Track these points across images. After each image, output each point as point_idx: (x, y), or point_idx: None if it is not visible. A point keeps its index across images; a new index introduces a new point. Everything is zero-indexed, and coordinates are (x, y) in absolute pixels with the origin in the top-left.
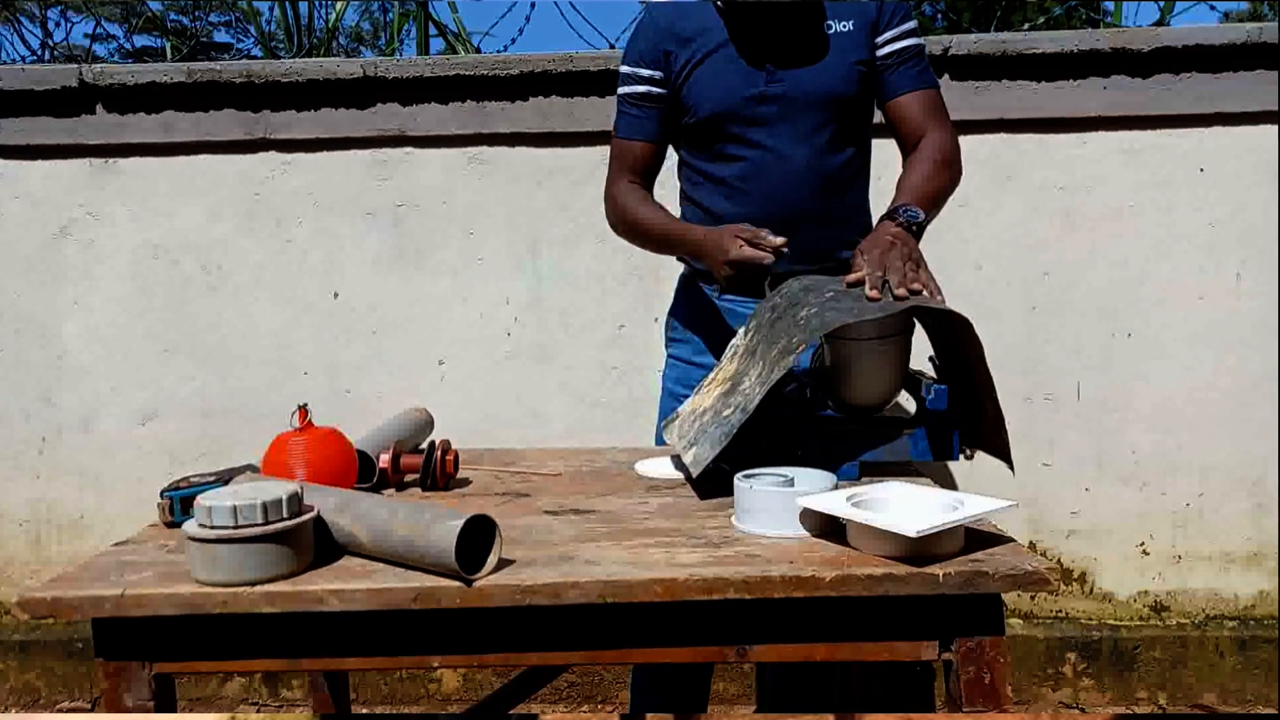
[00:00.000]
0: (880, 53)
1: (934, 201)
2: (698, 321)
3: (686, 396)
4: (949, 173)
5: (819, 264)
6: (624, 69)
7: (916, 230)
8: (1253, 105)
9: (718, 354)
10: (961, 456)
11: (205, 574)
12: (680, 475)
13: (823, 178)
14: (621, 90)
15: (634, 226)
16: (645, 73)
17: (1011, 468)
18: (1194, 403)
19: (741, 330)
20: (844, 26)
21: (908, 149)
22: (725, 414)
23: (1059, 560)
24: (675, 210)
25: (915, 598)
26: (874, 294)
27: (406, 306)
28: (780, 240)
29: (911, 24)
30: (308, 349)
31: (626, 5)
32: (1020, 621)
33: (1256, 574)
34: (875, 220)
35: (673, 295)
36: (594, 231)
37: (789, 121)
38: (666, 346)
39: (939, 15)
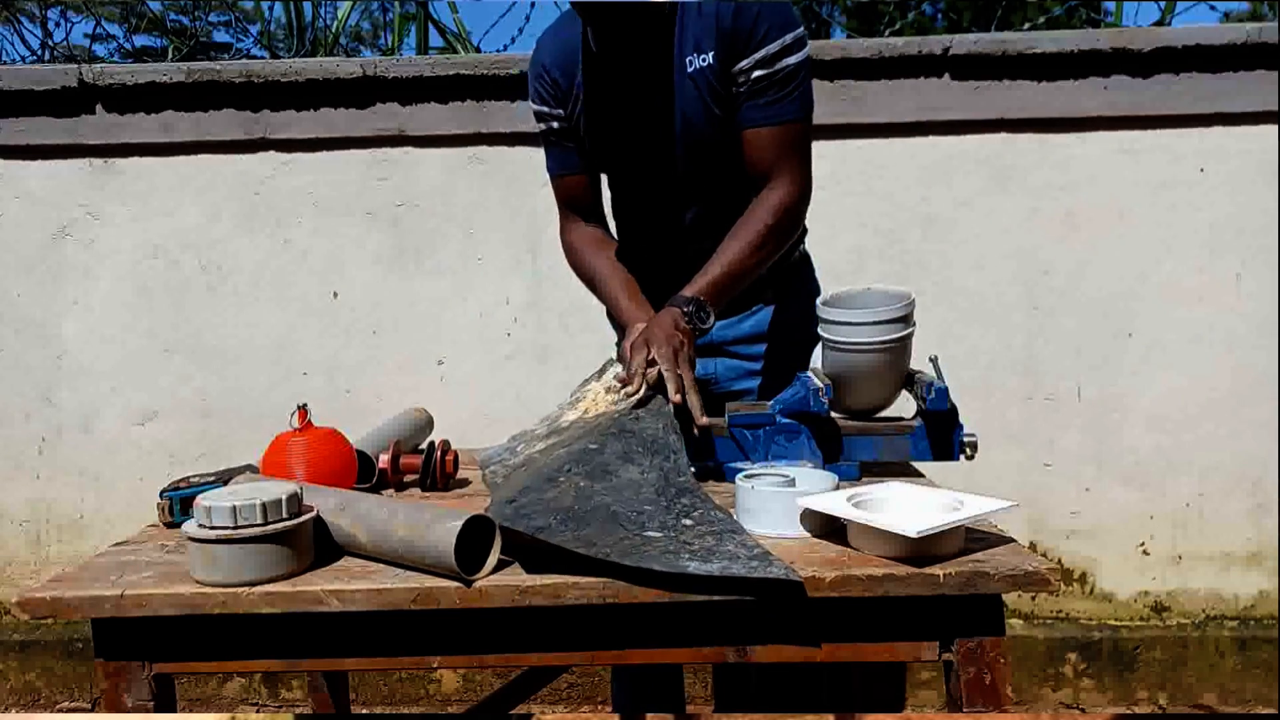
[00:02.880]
0: (738, 80)
1: (739, 280)
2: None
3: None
4: (768, 245)
5: (743, 312)
6: (534, 108)
7: (700, 328)
8: (1253, 105)
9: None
10: (962, 456)
11: (205, 574)
12: None
13: (711, 220)
14: (542, 128)
15: (587, 281)
16: (549, 110)
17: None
18: (1194, 403)
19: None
20: (704, 60)
21: (753, 187)
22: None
23: (1059, 560)
24: None
25: (915, 598)
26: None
27: (406, 306)
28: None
29: (774, 46)
30: (308, 349)
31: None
32: (1020, 621)
33: (1256, 574)
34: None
35: None
36: None
37: (663, 172)
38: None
39: (939, 15)
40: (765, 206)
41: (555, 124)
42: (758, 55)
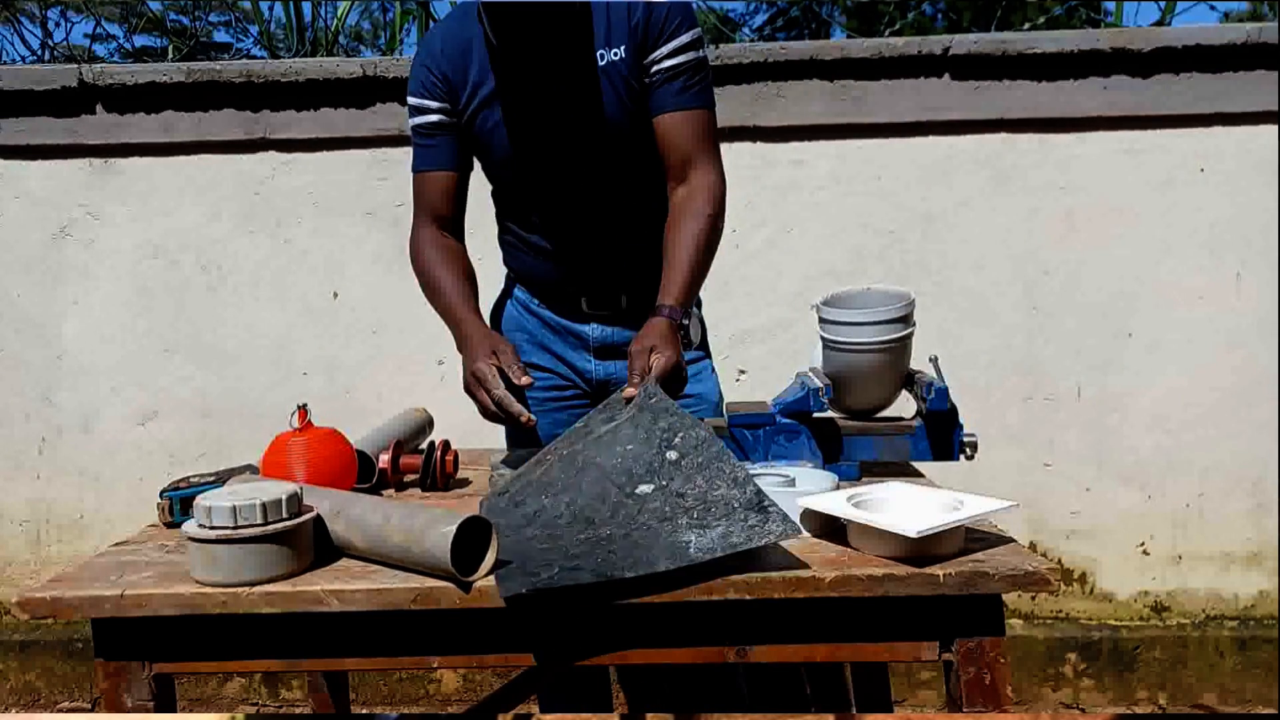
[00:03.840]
0: (650, 71)
1: (701, 278)
2: (508, 325)
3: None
4: (716, 235)
5: (639, 281)
6: (411, 100)
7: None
8: (1253, 105)
9: (528, 357)
10: (962, 456)
11: (205, 574)
12: None
13: (620, 217)
14: (412, 123)
15: (426, 287)
16: (433, 104)
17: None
18: (1194, 403)
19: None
20: (615, 54)
21: (670, 175)
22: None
23: (1059, 560)
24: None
25: (915, 598)
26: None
27: (406, 306)
28: (526, 380)
29: (685, 38)
30: (308, 349)
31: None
32: (1020, 621)
33: (1256, 574)
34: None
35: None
36: None
37: (575, 163)
38: None
39: (939, 15)
40: (703, 198)
41: (434, 117)
42: (671, 45)
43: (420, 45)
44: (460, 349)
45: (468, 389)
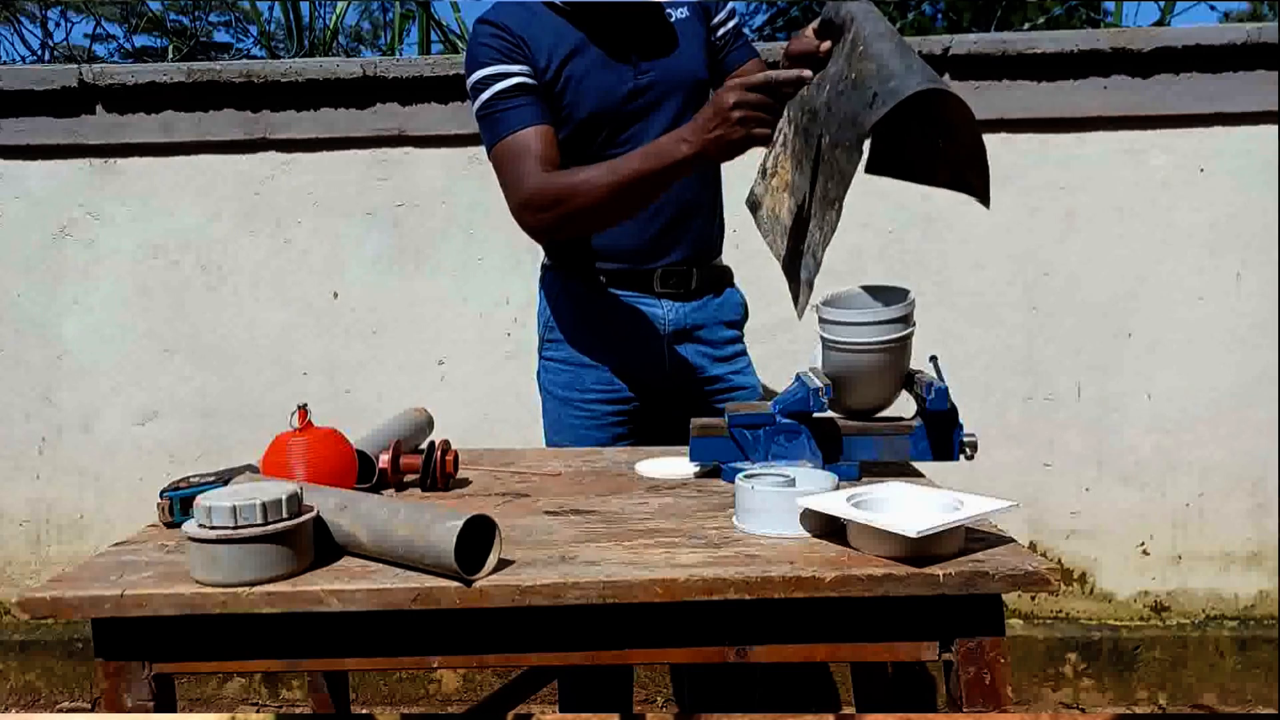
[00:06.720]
0: (718, 34)
1: None
2: (574, 323)
3: (574, 400)
4: None
5: (706, 255)
6: (482, 73)
7: None
8: (1253, 105)
9: (596, 356)
10: (962, 456)
11: (205, 574)
12: (680, 475)
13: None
14: (491, 92)
15: (602, 176)
16: (515, 68)
17: (987, 203)
18: (1194, 403)
19: (784, 116)
20: (681, 13)
21: None
22: (803, 249)
23: (1059, 560)
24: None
25: (915, 598)
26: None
27: (406, 306)
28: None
29: (731, 2)
30: (308, 349)
31: None
32: (1020, 621)
33: (1256, 574)
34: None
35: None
36: None
37: (661, 112)
38: (541, 349)
39: (939, 15)
40: None
41: (517, 79)
42: (727, 8)
43: (477, 26)
44: (692, 147)
45: (725, 103)
